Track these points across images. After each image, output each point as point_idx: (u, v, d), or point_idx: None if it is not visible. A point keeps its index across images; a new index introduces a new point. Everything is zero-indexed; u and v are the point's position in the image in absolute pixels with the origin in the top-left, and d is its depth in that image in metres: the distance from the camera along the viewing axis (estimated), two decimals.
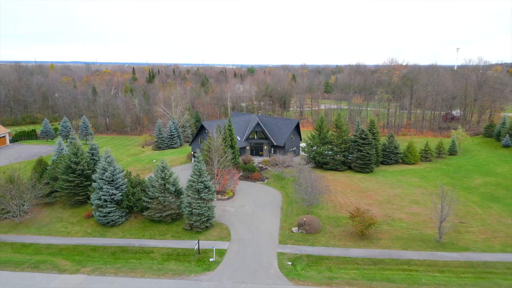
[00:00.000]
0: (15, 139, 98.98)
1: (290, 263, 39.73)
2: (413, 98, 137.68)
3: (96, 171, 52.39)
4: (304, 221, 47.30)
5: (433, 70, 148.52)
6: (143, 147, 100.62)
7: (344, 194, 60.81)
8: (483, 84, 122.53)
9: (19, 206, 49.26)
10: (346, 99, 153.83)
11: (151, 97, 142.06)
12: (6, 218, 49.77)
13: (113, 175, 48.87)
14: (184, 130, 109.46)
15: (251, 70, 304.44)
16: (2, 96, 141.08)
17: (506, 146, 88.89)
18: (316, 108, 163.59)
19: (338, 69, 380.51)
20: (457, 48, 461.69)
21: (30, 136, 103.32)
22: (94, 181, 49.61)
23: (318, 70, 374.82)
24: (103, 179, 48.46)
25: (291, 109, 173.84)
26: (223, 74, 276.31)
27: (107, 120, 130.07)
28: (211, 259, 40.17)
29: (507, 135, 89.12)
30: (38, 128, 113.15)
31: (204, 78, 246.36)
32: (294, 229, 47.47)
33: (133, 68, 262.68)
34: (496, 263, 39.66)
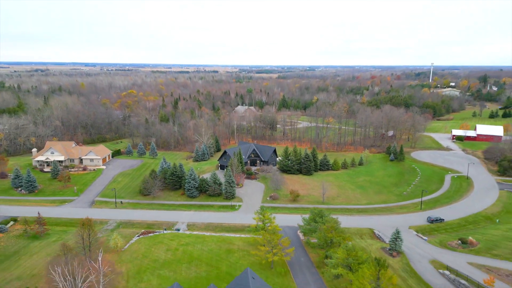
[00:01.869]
0: (111, 155, 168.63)
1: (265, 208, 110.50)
2: (357, 124, 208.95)
3: (185, 173, 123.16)
4: (272, 195, 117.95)
5: (368, 106, 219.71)
6: (187, 159, 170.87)
7: (293, 185, 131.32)
8: (396, 120, 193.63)
9: (154, 188, 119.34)
10: (322, 116, 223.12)
11: (182, 124, 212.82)
12: (149, 194, 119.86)
13: (194, 176, 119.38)
14: (209, 148, 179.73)
15: (249, 90, 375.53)
16: (81, 122, 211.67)
17: (392, 160, 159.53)
18: (295, 127, 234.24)
19: (324, 86, 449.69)
20: (432, 63, 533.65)
21: (117, 153, 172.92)
22: (185, 179, 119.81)
23: (306, 87, 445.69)
24: (190, 177, 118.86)
25: (278, 126, 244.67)
26: (227, 95, 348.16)
27: (156, 140, 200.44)
28: (236, 207, 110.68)
29: (392, 153, 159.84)
30: (122, 147, 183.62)
31: (212, 99, 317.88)
32: (268, 198, 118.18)
33: (163, 97, 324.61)
34: (335, 208, 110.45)
